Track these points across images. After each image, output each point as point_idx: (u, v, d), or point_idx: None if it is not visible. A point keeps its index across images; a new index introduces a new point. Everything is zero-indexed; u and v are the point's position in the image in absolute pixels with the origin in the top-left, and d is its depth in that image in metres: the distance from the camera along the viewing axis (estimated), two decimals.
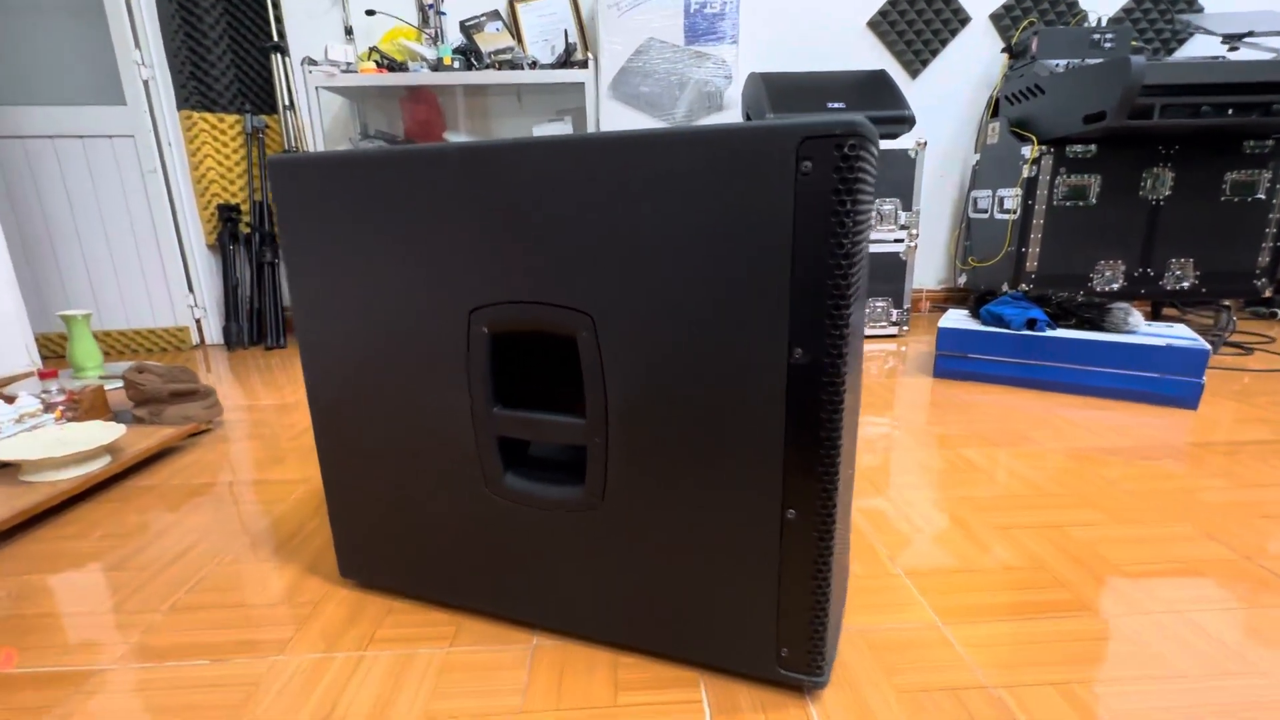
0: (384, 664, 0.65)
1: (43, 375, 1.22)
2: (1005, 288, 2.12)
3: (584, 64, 1.99)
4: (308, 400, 0.70)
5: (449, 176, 0.58)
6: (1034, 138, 2.00)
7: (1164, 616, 0.69)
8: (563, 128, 2.11)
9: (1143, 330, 1.48)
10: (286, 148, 2.19)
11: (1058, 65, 2.04)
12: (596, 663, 0.64)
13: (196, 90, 2.14)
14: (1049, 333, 1.49)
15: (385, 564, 0.75)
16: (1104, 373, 1.43)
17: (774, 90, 2.04)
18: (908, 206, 2.03)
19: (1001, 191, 2.14)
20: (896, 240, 2.06)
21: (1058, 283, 2.06)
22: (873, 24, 2.31)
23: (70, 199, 2.12)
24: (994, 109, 2.30)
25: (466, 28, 2.17)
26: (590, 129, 2.01)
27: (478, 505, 0.67)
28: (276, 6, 2.20)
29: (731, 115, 1.97)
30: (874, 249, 2.05)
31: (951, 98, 2.39)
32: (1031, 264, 2.06)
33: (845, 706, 0.58)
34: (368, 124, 2.32)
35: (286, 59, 2.15)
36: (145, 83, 2.07)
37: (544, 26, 2.22)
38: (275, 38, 2.18)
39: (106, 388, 1.28)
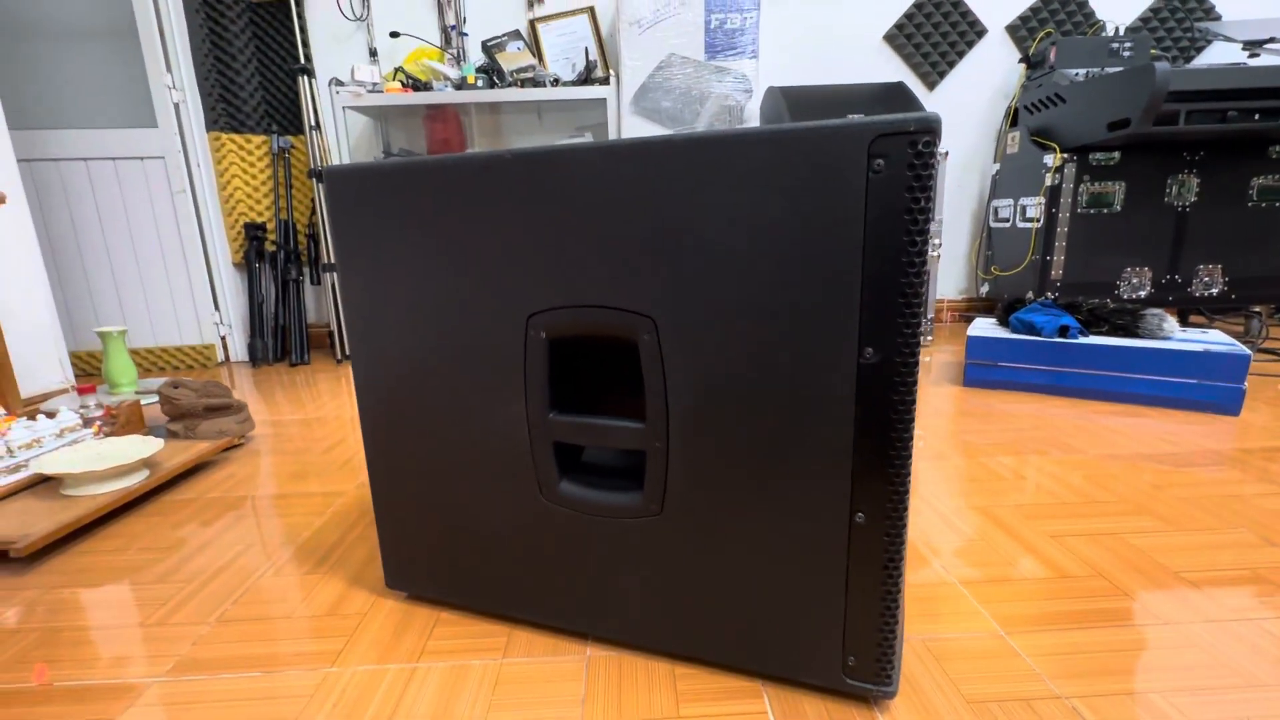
0: (438, 675, 0.64)
1: (80, 391, 1.23)
2: (1030, 295, 2.10)
3: (605, 80, 2.02)
4: (358, 408, 0.70)
5: (505, 183, 0.58)
6: (1056, 146, 2.00)
7: (1235, 624, 0.67)
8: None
9: (1178, 336, 1.46)
10: (312, 167, 2.23)
11: (1077, 74, 2.05)
12: (654, 674, 0.63)
13: (225, 112, 2.18)
14: (1082, 339, 1.47)
15: (434, 574, 0.75)
16: (1141, 379, 1.41)
17: (793, 103, 2.05)
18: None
19: (1024, 200, 2.14)
20: None
21: (1084, 290, 2.04)
22: (889, 37, 2.33)
23: (101, 219, 2.16)
24: (1012, 119, 2.30)
25: (488, 47, 2.21)
26: None
27: (531, 513, 0.67)
28: (304, 30, 2.25)
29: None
30: None
31: (969, 109, 2.40)
32: (1057, 272, 2.04)
33: (915, 717, 0.56)
34: (391, 142, 2.36)
35: (313, 80, 2.19)
36: (176, 105, 2.11)
37: (564, 45, 2.26)
38: (302, 60, 2.23)
39: (142, 403, 1.29)
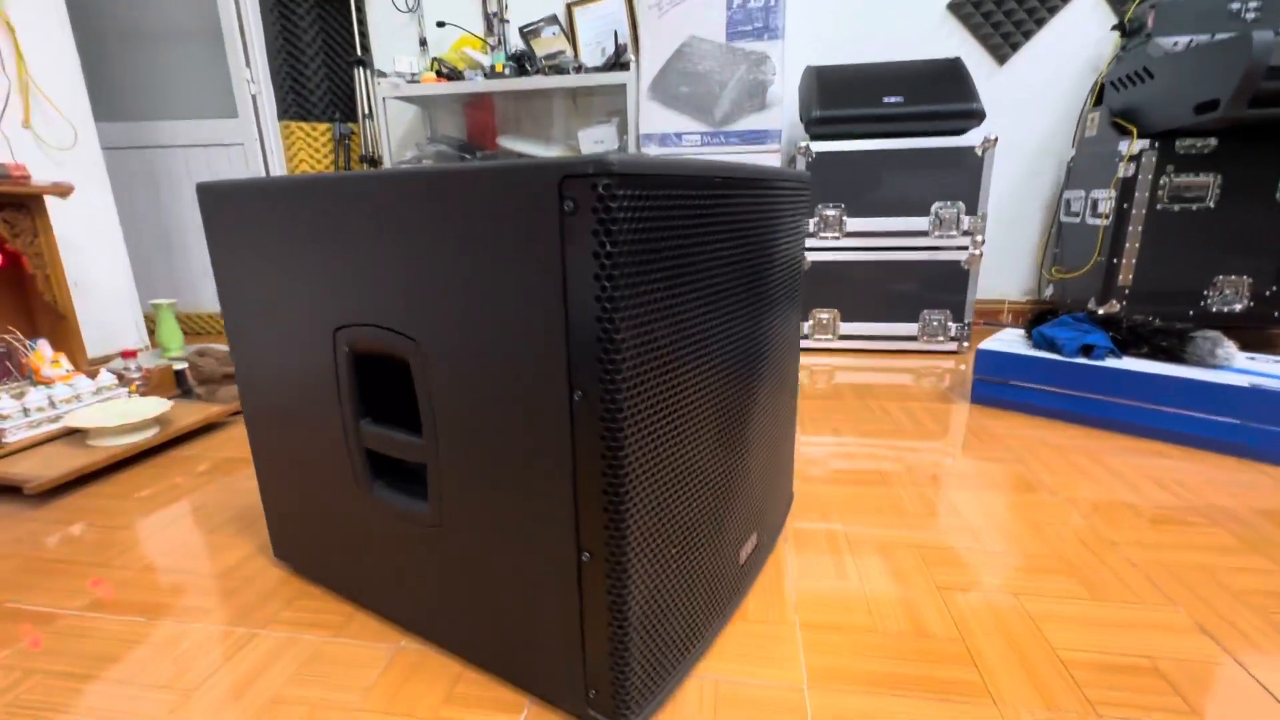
0: (268, 644, 0.72)
1: (125, 355, 1.46)
2: (1090, 304, 1.85)
3: (627, 65, 1.99)
4: (239, 398, 0.78)
5: (316, 205, 0.62)
6: (1134, 130, 1.72)
7: None
8: (607, 130, 2.13)
9: (1235, 365, 1.24)
10: (364, 153, 2.40)
11: (1175, 43, 1.73)
12: (444, 674, 0.67)
13: (295, 102, 2.40)
14: (1106, 362, 1.29)
15: (303, 552, 0.82)
16: (1171, 413, 1.21)
17: (826, 84, 1.91)
18: (972, 210, 1.82)
19: (1095, 193, 1.87)
20: (958, 248, 1.86)
21: (1159, 300, 1.76)
22: (954, 6, 2.09)
23: (189, 201, 2.48)
24: (1098, 96, 2.00)
25: (525, 33, 2.25)
26: (631, 132, 2.01)
27: (359, 509, 0.72)
28: (363, 23, 2.40)
29: (776, 114, 1.88)
30: (931, 257, 1.87)
31: (1048, 85, 2.11)
32: (1125, 277, 1.78)
33: None
34: (437, 129, 2.48)
35: (367, 71, 2.35)
36: (253, 97, 2.36)
37: (599, 28, 2.25)
38: (359, 52, 2.39)
39: (175, 367, 1.49)
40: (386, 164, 2.27)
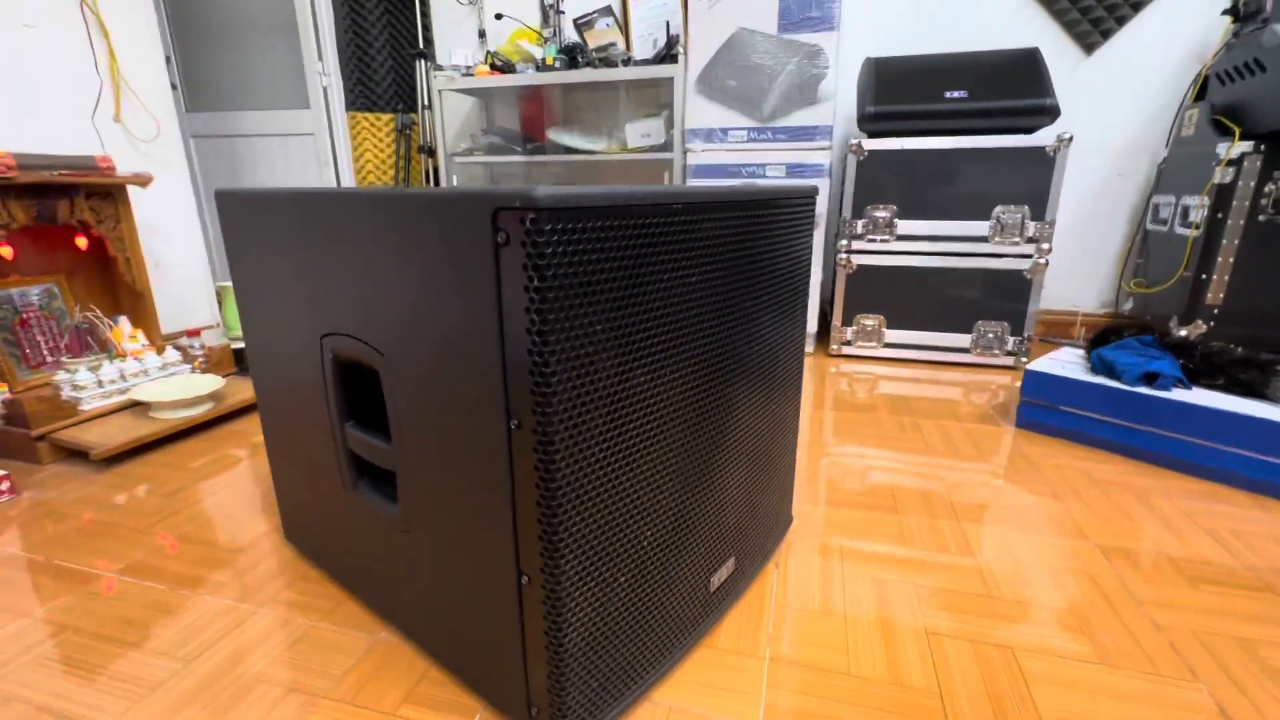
0: (263, 622, 0.77)
1: (189, 333, 1.58)
2: (1173, 324, 1.67)
3: (676, 58, 1.96)
4: (254, 388, 0.83)
5: (305, 218, 0.65)
6: (1238, 130, 1.53)
7: None
8: (655, 124, 2.10)
9: None
10: (422, 143, 2.49)
11: None
12: (410, 671, 0.69)
13: (361, 94, 2.51)
14: (1171, 393, 1.16)
15: (306, 537, 0.88)
16: (1239, 455, 1.08)
17: (883, 78, 1.81)
18: (1039, 215, 1.68)
19: (1187, 199, 1.68)
20: (1021, 256, 1.73)
21: (1250, 324, 1.57)
22: None
23: (264, 186, 2.65)
24: (1200, 90, 1.78)
25: (579, 25, 2.24)
26: (676, 127, 1.97)
27: (347, 505, 0.75)
28: (426, 16, 2.48)
29: (827, 110, 1.79)
30: (990, 265, 1.75)
31: (1142, 77, 1.91)
32: (1214, 295, 1.59)
33: None
34: (493, 121, 2.53)
35: (428, 63, 2.42)
36: (324, 89, 2.48)
37: (652, 20, 2.21)
38: (421, 45, 2.47)
39: (234, 346, 1.61)
40: (441, 155, 2.35)
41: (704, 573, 0.69)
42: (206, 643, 0.74)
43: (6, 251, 1.33)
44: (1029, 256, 1.72)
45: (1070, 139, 1.60)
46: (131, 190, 1.60)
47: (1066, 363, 1.36)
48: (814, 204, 0.80)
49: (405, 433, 0.61)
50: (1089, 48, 1.93)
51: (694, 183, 1.94)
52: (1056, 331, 2.15)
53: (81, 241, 1.48)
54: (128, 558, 0.91)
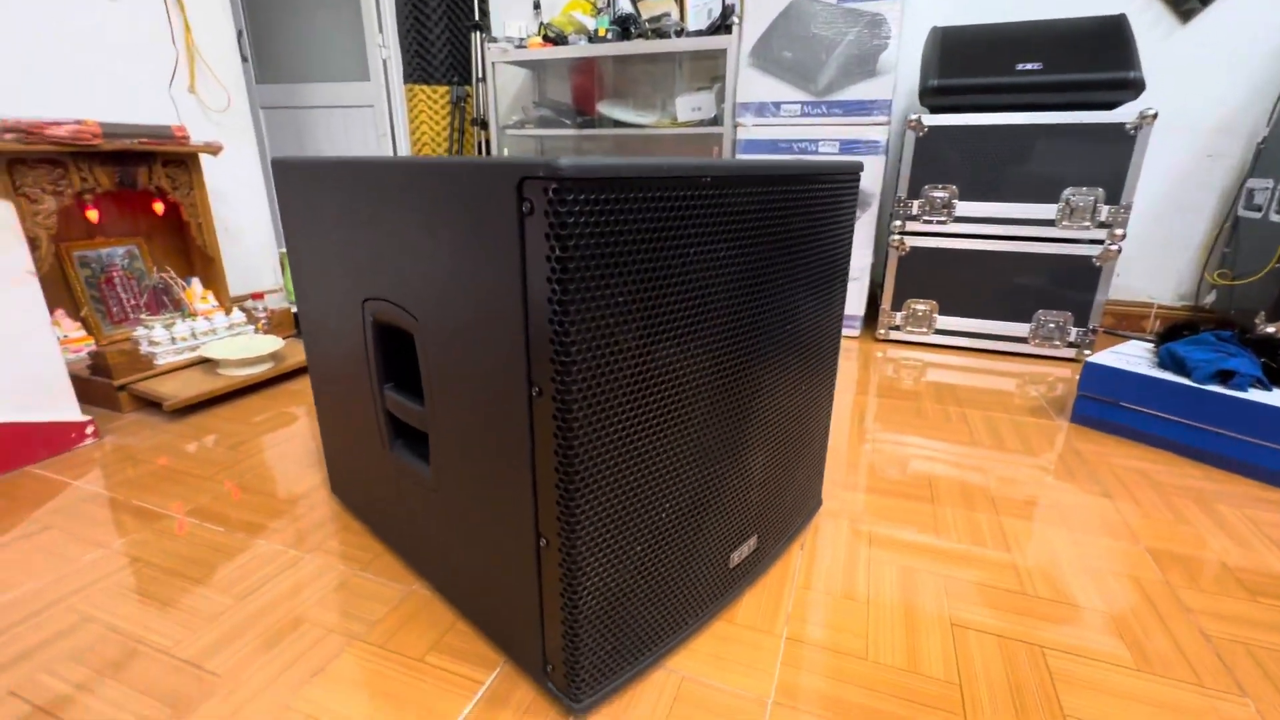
0: (310, 568, 0.82)
1: (254, 297, 1.68)
2: (1258, 320, 1.54)
3: (730, 29, 1.90)
4: (305, 351, 0.88)
5: (348, 185, 0.67)
6: None
7: None
8: (706, 98, 2.06)
9: None
10: (476, 116, 2.52)
11: None
12: (439, 622, 0.73)
13: (419, 66, 2.55)
14: (1245, 394, 1.08)
15: (348, 492, 0.93)
16: None
17: (949, 49, 1.71)
18: (1113, 198, 1.57)
19: None
20: (1091, 241, 1.62)
21: None
22: None
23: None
24: None
25: None
26: (727, 101, 1.93)
27: (384, 463, 0.79)
28: None
29: (886, 83, 1.71)
30: (1056, 250, 1.65)
31: (1244, 48, 1.73)
32: None
33: None
34: (545, 93, 2.54)
35: (483, 36, 2.44)
36: (384, 61, 2.54)
37: None
38: (476, 17, 2.48)
39: (294, 310, 1.70)
40: (493, 127, 2.37)
41: (724, 549, 0.70)
42: (258, 583, 0.80)
43: (93, 215, 1.44)
44: (1099, 242, 1.61)
45: (1155, 116, 1.48)
46: (204, 159, 1.69)
47: (1132, 356, 1.28)
48: (857, 181, 0.77)
49: (436, 396, 0.63)
50: (1186, 14, 1.76)
51: (742, 158, 1.90)
52: (1128, 325, 2.02)
53: (159, 207, 1.58)
54: (194, 501, 0.99)
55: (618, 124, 2.22)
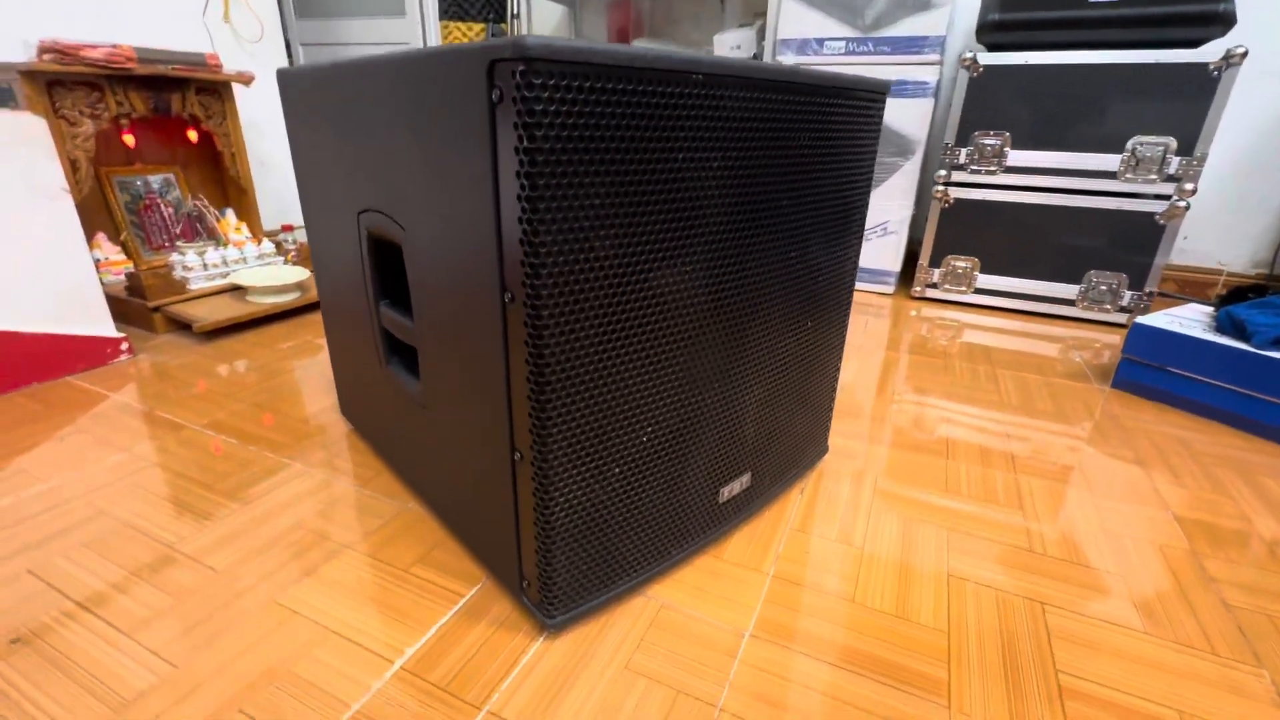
0: (311, 482, 0.85)
1: (284, 229, 1.70)
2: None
3: None
4: (313, 270, 0.88)
5: (342, 91, 0.65)
6: None
7: None
8: (745, 35, 1.95)
9: None
10: None
11: None
12: (428, 538, 0.74)
13: (454, 3, 2.49)
14: None
15: (355, 413, 0.94)
16: None
17: None
18: (1187, 149, 1.43)
19: None
20: (1157, 197, 1.49)
21: None
22: None
23: None
24: None
25: None
26: (768, 37, 1.82)
27: (381, 381, 0.79)
28: None
29: (940, 18, 1.58)
30: (1115, 205, 1.52)
31: None
32: None
33: (565, 657, 0.58)
34: (581, 31, 2.45)
35: None
36: None
37: None
38: None
39: None
40: None
41: (713, 482, 0.68)
42: (263, 491, 0.82)
43: (129, 140, 1.47)
44: (1165, 198, 1.48)
45: (1244, 54, 1.33)
46: (237, 90, 1.70)
47: (1186, 319, 1.19)
48: (882, 101, 0.71)
49: (423, 308, 0.62)
50: None
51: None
52: (1192, 292, 1.88)
53: (192, 135, 1.61)
54: (213, 416, 1.03)
55: None
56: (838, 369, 0.86)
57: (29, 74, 1.27)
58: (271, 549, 0.71)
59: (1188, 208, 1.47)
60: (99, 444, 0.93)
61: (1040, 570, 0.71)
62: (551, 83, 0.41)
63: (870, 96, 0.69)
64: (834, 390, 0.87)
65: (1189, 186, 1.45)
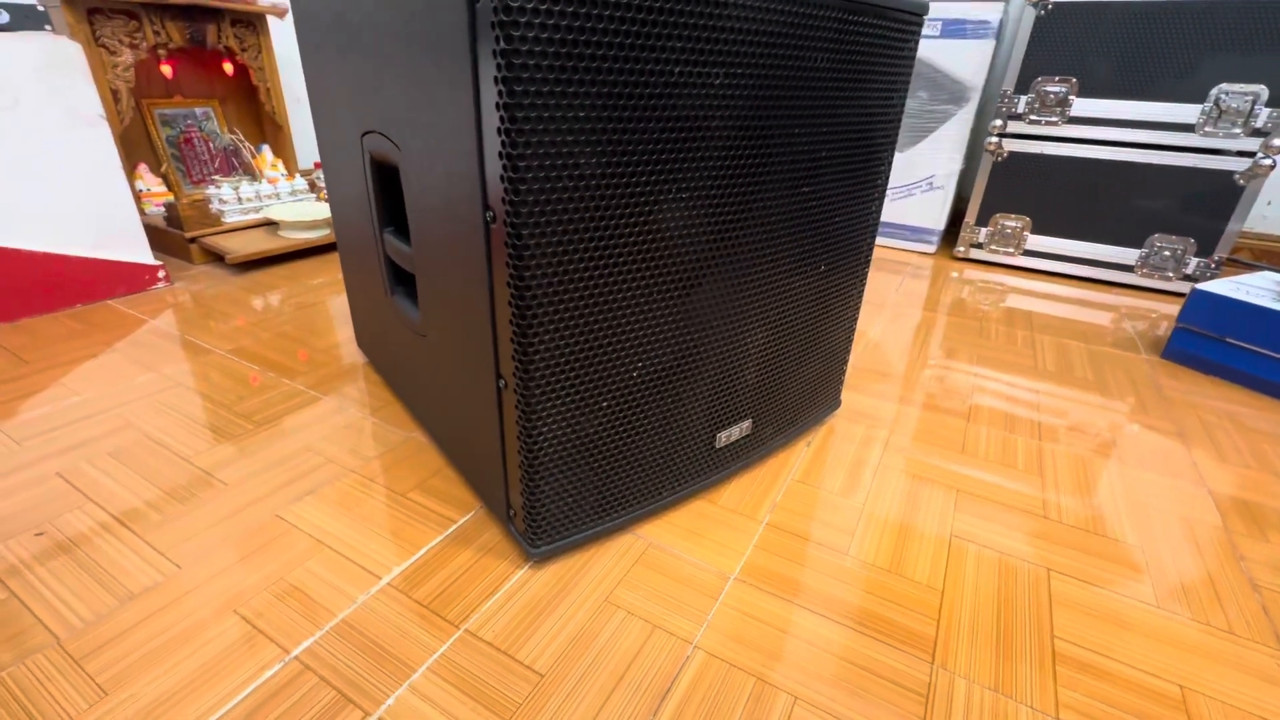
0: (323, 408, 0.87)
1: (316, 165, 1.72)
2: None
3: None
4: (329, 201, 0.88)
5: (339, 10, 0.63)
6: None
7: None
8: None
9: None
10: None
11: None
12: (428, 465, 0.75)
13: None
14: None
15: (369, 345, 0.96)
16: None
17: None
18: (1278, 100, 1.29)
19: None
20: (1239, 154, 1.35)
21: None
22: None
23: None
24: None
25: None
26: None
27: (387, 311, 0.80)
28: None
29: None
30: (1187, 162, 1.39)
31: None
32: None
33: (547, 587, 0.59)
34: None
35: None
36: None
37: None
38: None
39: None
40: None
41: (709, 425, 0.67)
42: (276, 415, 0.85)
43: (167, 70, 1.49)
44: (1250, 155, 1.35)
45: None
46: (272, 24, 1.70)
47: (1254, 287, 1.09)
48: (918, 27, 0.65)
49: (419, 234, 0.61)
50: None
51: None
52: (1272, 261, 1.72)
53: (228, 67, 1.62)
54: (238, 343, 1.06)
55: None
56: (854, 319, 0.82)
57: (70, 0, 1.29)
58: (279, 468, 0.74)
59: (1273, 166, 1.33)
60: (131, 363, 0.97)
61: (1052, 537, 0.68)
62: (529, 4, 0.38)
63: (904, 18, 0.63)
64: (849, 342, 0.83)
65: (1278, 142, 1.31)
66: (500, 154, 0.43)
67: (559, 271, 0.47)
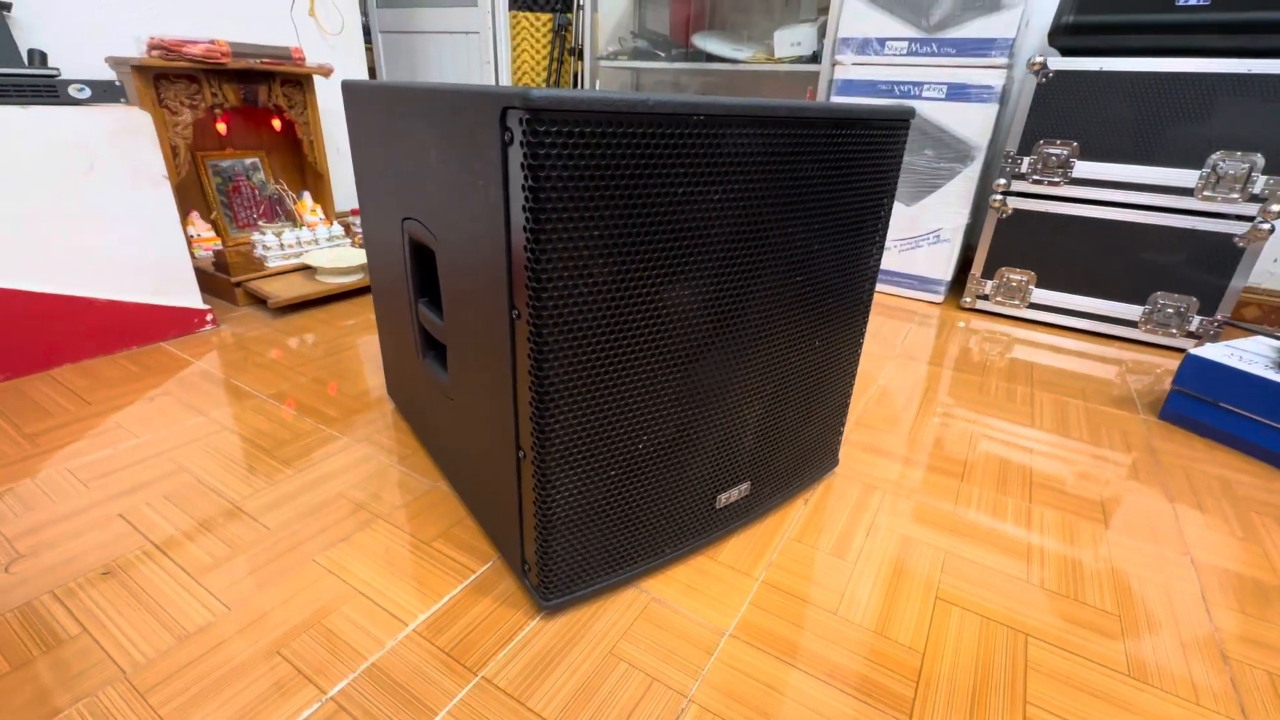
0: (354, 455, 0.94)
1: (354, 213, 1.83)
2: None
3: None
4: (366, 260, 0.96)
5: (390, 109, 0.72)
6: None
7: None
8: (807, 32, 1.92)
9: None
10: (574, 44, 2.51)
11: None
12: (452, 516, 0.82)
13: None
14: None
15: (398, 393, 1.03)
16: None
17: None
18: (1276, 168, 1.33)
19: None
20: (1237, 218, 1.39)
21: None
22: None
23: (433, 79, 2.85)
24: None
25: None
26: (829, 35, 1.79)
27: (419, 371, 0.87)
28: None
29: (1010, 19, 1.51)
30: (1188, 224, 1.43)
31: None
32: None
33: (556, 637, 0.64)
34: (645, 23, 2.47)
35: None
36: None
37: None
38: None
39: None
40: (587, 58, 2.35)
41: (709, 489, 0.72)
42: (314, 460, 0.92)
43: (222, 127, 1.62)
44: (1248, 220, 1.38)
45: None
46: (317, 80, 1.83)
47: (1248, 353, 1.12)
48: (901, 131, 0.72)
49: (451, 312, 0.69)
50: None
51: (837, 99, 1.78)
52: (1274, 321, 1.74)
53: (276, 124, 1.74)
54: (278, 387, 1.14)
55: (710, 58, 2.13)
56: (850, 387, 0.87)
57: (140, 69, 1.42)
58: (316, 514, 0.81)
59: (1272, 230, 1.36)
60: (182, 406, 1.06)
61: (1032, 602, 0.72)
62: (555, 129, 0.45)
63: (888, 126, 0.70)
64: (846, 406, 0.88)
65: (1276, 208, 1.35)
66: (526, 266, 0.50)
67: (574, 362, 0.54)
